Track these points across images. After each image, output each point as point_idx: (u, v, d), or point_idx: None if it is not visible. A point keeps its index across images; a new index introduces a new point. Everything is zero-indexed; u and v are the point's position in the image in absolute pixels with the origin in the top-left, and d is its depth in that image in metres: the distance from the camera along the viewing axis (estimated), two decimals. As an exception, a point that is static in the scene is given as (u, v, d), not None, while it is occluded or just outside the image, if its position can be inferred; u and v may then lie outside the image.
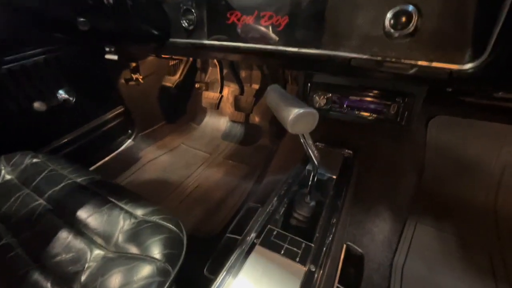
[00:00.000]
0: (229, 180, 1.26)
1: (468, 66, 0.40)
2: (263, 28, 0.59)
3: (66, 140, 1.14)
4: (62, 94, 1.09)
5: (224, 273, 0.55)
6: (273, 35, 0.59)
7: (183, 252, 0.52)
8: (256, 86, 1.50)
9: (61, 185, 0.69)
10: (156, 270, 0.47)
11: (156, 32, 0.74)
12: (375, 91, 0.72)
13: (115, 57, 1.01)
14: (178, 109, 1.65)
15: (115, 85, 1.33)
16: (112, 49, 0.92)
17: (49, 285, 0.49)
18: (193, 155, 1.44)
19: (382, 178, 1.02)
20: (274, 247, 0.59)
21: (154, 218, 0.58)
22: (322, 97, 0.80)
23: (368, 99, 0.74)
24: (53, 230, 0.58)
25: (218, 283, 0.52)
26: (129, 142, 1.43)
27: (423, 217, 0.96)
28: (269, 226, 0.64)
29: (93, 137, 1.24)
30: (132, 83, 1.36)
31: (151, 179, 1.28)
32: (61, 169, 0.75)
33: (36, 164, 0.77)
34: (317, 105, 0.82)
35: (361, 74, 0.62)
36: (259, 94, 1.48)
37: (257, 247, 0.59)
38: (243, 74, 1.52)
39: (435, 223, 0.94)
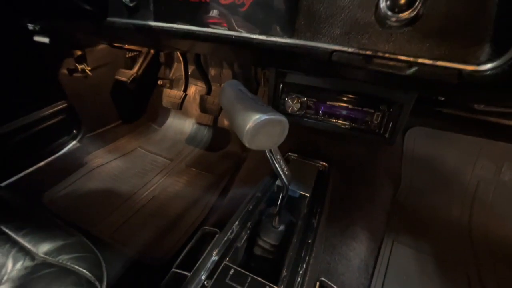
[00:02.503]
0: (190, 192, 1.10)
1: (486, 66, 0.30)
2: (222, 8, 0.46)
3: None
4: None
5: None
6: (235, 17, 0.45)
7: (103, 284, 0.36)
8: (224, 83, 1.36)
9: None
10: None
11: (87, 7, 0.57)
12: (356, 97, 0.62)
13: (45, 40, 0.82)
14: (135, 108, 1.46)
15: (55, 76, 1.11)
16: (37, 28, 0.72)
17: None
18: (151, 161, 1.26)
19: (358, 193, 0.93)
20: (228, 293, 0.45)
21: (61, 259, 0.42)
22: (295, 101, 0.68)
23: (348, 105, 0.64)
24: None
25: None
26: (72, 144, 1.21)
27: (400, 235, 0.88)
28: (224, 262, 0.50)
29: (22, 137, 1.01)
30: (77, 74, 1.15)
31: (97, 188, 1.08)
32: None
33: None
34: (289, 110, 0.70)
35: (342, 74, 0.51)
36: (220, 90, 1.34)
37: (206, 294, 0.45)
38: (212, 72, 1.37)
39: (412, 241, 0.87)
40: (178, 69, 1.45)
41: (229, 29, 0.47)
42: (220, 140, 1.37)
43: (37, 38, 0.82)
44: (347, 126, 0.68)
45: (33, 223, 0.49)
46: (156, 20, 0.54)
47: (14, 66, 0.95)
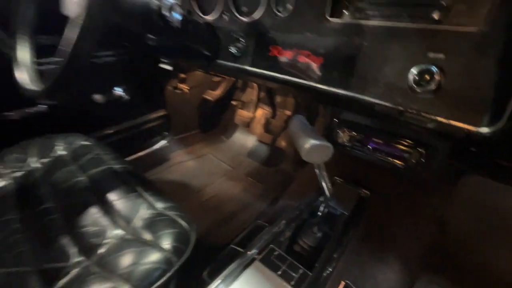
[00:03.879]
0: (245, 196, 1.30)
1: (484, 130, 0.42)
2: (299, 64, 0.66)
3: (112, 131, 1.29)
4: (118, 91, 1.26)
5: (220, 280, 0.59)
6: (307, 72, 0.65)
7: (189, 249, 0.57)
8: (288, 113, 1.56)
9: (101, 168, 0.80)
10: (163, 259, 0.53)
11: (207, 53, 0.85)
12: (398, 137, 0.74)
13: (170, 68, 1.15)
14: (212, 121, 1.77)
15: (163, 91, 1.48)
16: (168, 61, 1.06)
17: (73, 250, 0.57)
18: (216, 165, 1.52)
19: (398, 225, 0.98)
20: (272, 266, 0.61)
21: (171, 213, 0.65)
22: (346, 134, 0.83)
23: (391, 143, 0.76)
24: (87, 204, 0.67)
25: None
26: (163, 142, 1.56)
27: (437, 277, 0.90)
28: (271, 245, 0.67)
29: (134, 132, 1.39)
30: (177, 91, 1.51)
31: (175, 180, 1.38)
32: (104, 154, 0.86)
33: (85, 146, 0.89)
34: (340, 141, 0.85)
35: (385, 119, 0.65)
36: (289, 120, 1.54)
37: (256, 263, 0.62)
38: (278, 99, 1.60)
39: (450, 286, 0.88)
40: (250, 94, 1.72)
41: (300, 79, 0.67)
42: (275, 158, 1.56)
43: (163, 66, 1.16)
44: (390, 161, 0.79)
45: (152, 189, 0.74)
46: (251, 66, 0.77)
47: (143, 82, 1.34)
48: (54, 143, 0.89)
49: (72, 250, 0.57)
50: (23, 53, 0.66)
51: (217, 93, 1.63)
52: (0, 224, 0.63)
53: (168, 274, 0.51)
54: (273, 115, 1.58)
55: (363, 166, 1.12)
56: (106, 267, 0.53)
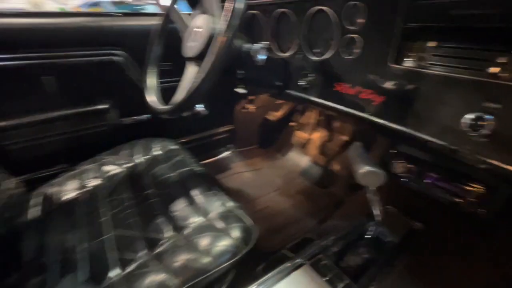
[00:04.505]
0: (295, 212, 1.39)
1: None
2: (360, 100, 0.76)
3: (190, 138, 1.55)
4: (199, 107, 1.52)
5: (271, 275, 0.70)
6: (367, 106, 0.75)
7: (252, 242, 0.70)
8: (344, 138, 1.62)
9: (186, 169, 1.01)
10: (233, 244, 0.67)
11: (279, 83, 1.01)
12: (456, 173, 0.76)
13: (244, 91, 1.36)
14: (271, 139, 1.94)
15: (233, 109, 1.72)
16: (244, 86, 1.26)
17: (168, 227, 0.76)
18: (270, 179, 1.66)
19: (449, 261, 0.95)
20: (320, 272, 0.70)
21: (238, 212, 0.80)
22: (401, 165, 0.88)
23: (449, 179, 0.78)
24: (177, 195, 0.87)
25: (262, 281, 0.67)
26: (227, 153, 1.78)
27: None
28: (321, 254, 0.76)
29: (206, 141, 1.64)
30: (244, 110, 1.73)
31: (234, 188, 1.56)
32: (187, 158, 1.08)
33: (174, 149, 1.13)
34: (395, 171, 0.90)
35: (439, 155, 0.70)
36: (345, 146, 1.60)
37: (305, 266, 0.72)
38: (335, 124, 1.68)
39: None
40: (308, 117, 1.84)
41: (360, 112, 0.76)
42: (327, 180, 1.62)
43: (239, 90, 1.38)
44: (447, 197, 0.81)
45: (224, 190, 0.91)
46: (316, 97, 0.90)
47: (220, 100, 1.59)
48: (152, 145, 1.16)
49: (167, 227, 0.76)
50: (151, 79, 0.92)
51: (278, 114, 1.80)
52: (119, 200, 0.86)
53: (236, 258, 0.65)
54: (329, 139, 1.66)
55: (418, 198, 1.12)
56: (191, 243, 0.69)
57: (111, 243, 0.71)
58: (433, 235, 0.96)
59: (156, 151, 1.12)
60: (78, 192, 0.88)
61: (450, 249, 0.99)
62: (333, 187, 1.57)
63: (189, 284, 0.60)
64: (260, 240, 1.18)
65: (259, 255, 0.85)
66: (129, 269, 0.65)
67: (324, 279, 0.67)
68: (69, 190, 0.89)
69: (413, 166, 0.86)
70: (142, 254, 0.68)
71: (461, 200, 0.77)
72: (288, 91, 1.01)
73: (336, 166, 1.65)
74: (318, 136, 1.76)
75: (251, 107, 1.72)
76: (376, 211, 0.70)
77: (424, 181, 0.84)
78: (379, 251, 0.84)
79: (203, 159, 1.65)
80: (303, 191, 1.57)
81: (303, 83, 0.93)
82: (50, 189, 0.90)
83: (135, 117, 1.35)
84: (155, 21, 0.99)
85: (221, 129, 1.71)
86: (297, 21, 0.92)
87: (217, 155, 1.72)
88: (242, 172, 1.67)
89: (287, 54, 0.99)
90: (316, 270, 0.69)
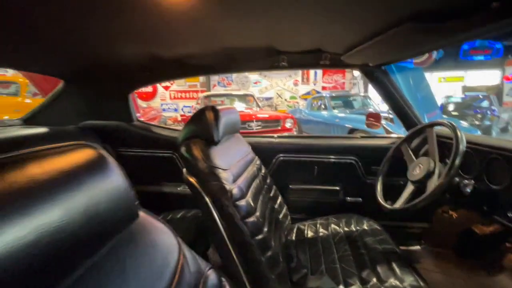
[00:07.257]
0: None
1: None
2: None
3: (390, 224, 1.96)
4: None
5: None
6: None
7: None
8: None
9: (388, 246, 1.44)
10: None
11: (486, 209, 1.24)
12: None
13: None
14: (473, 252, 1.89)
15: (433, 209, 1.94)
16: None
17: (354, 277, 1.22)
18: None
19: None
20: None
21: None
22: None
23: None
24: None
25: None
26: (417, 247, 1.96)
27: None
28: None
29: (398, 230, 1.96)
30: (446, 214, 1.89)
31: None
32: (388, 238, 1.50)
33: (378, 229, 1.60)
34: None
35: None
36: None
37: None
38: None
39: None
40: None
41: None
42: None
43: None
44: None
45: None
46: None
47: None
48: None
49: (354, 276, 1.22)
50: (379, 185, 1.50)
51: (487, 229, 1.77)
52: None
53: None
54: None
55: None
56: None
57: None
58: None
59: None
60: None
61: None
62: None
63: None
64: None
65: None
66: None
67: None
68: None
69: None
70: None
71: None
72: (496, 217, 1.20)
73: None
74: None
75: (454, 214, 1.85)
76: None
77: None
78: None
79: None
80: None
81: (514, 216, 1.12)
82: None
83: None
84: (383, 142, 1.62)
85: (415, 224, 1.95)
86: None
87: (409, 246, 1.96)
88: (434, 271, 1.78)
89: (497, 187, 1.22)
90: None
